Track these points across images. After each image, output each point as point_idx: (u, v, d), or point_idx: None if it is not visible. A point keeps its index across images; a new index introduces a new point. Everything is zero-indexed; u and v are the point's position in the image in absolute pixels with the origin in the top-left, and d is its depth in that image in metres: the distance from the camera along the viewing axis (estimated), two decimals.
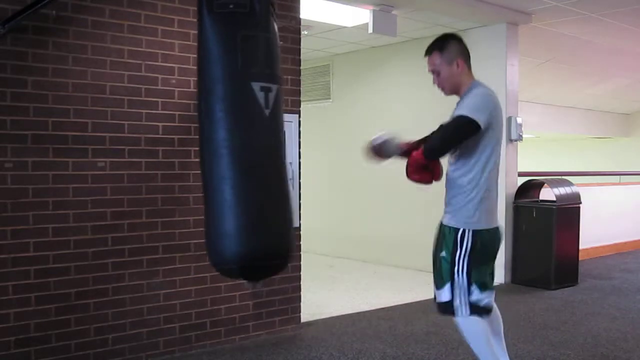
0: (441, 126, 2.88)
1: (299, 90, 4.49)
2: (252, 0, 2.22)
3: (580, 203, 6.25)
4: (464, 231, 2.85)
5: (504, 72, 6.24)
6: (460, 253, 2.85)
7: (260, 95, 2.21)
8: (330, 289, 6.04)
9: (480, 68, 6.38)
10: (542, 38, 6.97)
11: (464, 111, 2.75)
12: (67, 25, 3.47)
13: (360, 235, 7.59)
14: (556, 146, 15.06)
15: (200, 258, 3.98)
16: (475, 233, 2.84)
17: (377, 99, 7.45)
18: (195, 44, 3.95)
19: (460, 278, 2.85)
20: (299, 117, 4.40)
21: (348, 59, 7.78)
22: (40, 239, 3.40)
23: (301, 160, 4.42)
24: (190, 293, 3.96)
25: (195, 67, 3.93)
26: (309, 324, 4.65)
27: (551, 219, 5.96)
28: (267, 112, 2.22)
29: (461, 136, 2.76)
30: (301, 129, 4.41)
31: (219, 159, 2.20)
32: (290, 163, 4.27)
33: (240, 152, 2.21)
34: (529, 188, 6.44)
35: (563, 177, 6.75)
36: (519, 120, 6.26)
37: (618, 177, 9.55)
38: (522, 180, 6.51)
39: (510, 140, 6.25)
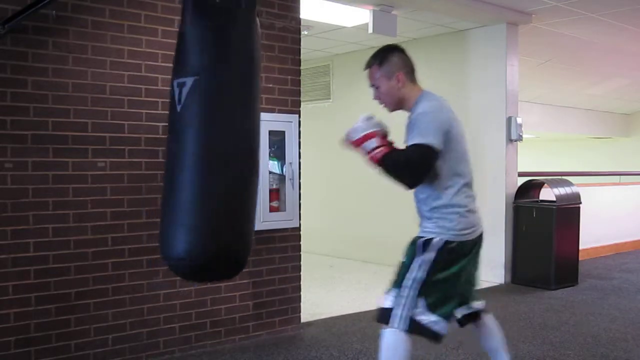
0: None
1: (299, 90, 4.49)
2: None
3: (580, 203, 6.25)
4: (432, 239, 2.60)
5: (504, 72, 6.24)
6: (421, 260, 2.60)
7: (176, 92, 2.21)
8: (330, 289, 6.04)
9: (480, 68, 6.47)
10: (542, 38, 6.97)
11: (415, 138, 2.51)
12: (67, 25, 3.46)
13: (360, 235, 7.59)
14: (556, 146, 15.06)
15: None
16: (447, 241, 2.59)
17: None
18: None
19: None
20: (299, 117, 4.40)
21: (348, 59, 7.78)
22: (40, 239, 3.40)
23: (301, 160, 4.42)
24: (190, 293, 3.96)
25: None
26: (309, 324, 4.65)
27: (551, 219, 5.96)
28: (178, 107, 2.20)
29: (421, 164, 2.51)
30: (301, 129, 4.42)
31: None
32: (291, 163, 4.27)
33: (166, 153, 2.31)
34: (529, 188, 6.44)
35: (563, 177, 6.75)
36: (519, 120, 6.27)
37: (618, 177, 9.55)
38: (522, 180, 6.52)
39: (510, 140, 6.25)
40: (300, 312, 4.52)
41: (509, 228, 6.25)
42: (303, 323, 4.56)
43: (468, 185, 2.68)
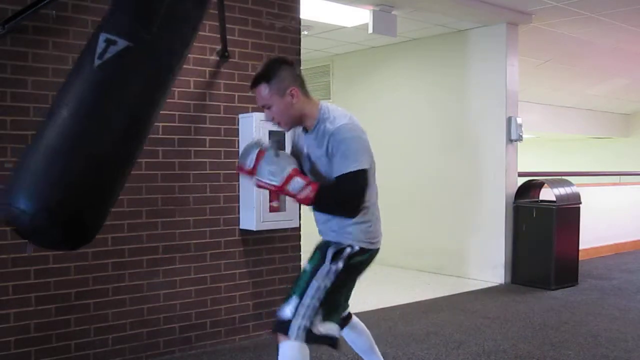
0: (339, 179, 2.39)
1: None
2: None
3: (580, 203, 6.24)
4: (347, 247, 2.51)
5: (504, 72, 6.24)
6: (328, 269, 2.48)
7: (101, 46, 2.09)
8: None
9: (480, 68, 6.48)
10: (542, 38, 6.97)
11: (350, 165, 2.33)
12: (67, 25, 3.46)
13: None
14: (556, 146, 15.06)
15: (200, 258, 3.98)
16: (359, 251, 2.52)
17: (377, 99, 7.45)
18: (195, 43, 3.95)
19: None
20: None
21: (348, 59, 7.78)
22: None
23: None
24: (190, 293, 3.96)
25: (194, 68, 3.94)
26: None
27: (551, 219, 5.96)
28: (96, 62, 2.08)
29: (363, 191, 2.38)
30: None
31: None
32: None
33: (57, 92, 2.18)
34: (529, 188, 6.44)
35: (563, 177, 6.75)
36: (519, 120, 6.26)
37: (618, 177, 9.55)
38: (522, 180, 6.52)
39: (510, 140, 6.25)
40: None
41: (509, 228, 6.24)
42: None
43: (377, 195, 2.60)
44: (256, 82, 2.45)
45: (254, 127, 4.04)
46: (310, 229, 2.85)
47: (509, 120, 6.23)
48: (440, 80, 6.82)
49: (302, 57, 4.50)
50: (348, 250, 2.49)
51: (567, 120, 12.05)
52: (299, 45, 4.48)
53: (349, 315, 2.90)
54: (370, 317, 4.90)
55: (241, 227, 4.17)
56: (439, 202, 6.81)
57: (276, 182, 2.36)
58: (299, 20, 4.47)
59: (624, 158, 12.82)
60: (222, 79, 4.06)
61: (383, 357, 2.97)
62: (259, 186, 2.43)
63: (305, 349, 2.43)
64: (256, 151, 2.39)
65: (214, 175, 4.05)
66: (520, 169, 6.57)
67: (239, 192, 4.16)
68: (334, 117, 2.42)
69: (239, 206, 4.16)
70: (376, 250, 2.60)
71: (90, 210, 2.17)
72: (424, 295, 5.63)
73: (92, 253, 3.56)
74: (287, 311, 2.44)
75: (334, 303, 2.51)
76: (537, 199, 6.42)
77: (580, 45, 7.45)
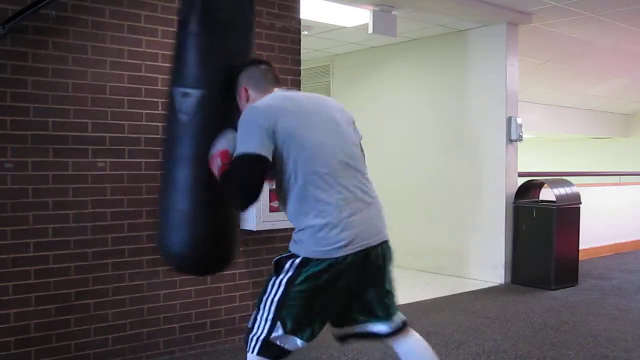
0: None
1: (299, 90, 4.49)
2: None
3: (580, 203, 6.24)
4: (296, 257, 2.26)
5: (504, 72, 6.24)
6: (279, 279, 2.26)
7: (179, 101, 2.25)
8: None
9: (480, 68, 6.48)
10: (542, 38, 6.97)
11: (236, 150, 2.19)
12: (67, 25, 3.46)
13: None
14: (556, 146, 15.06)
15: None
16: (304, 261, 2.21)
17: (377, 99, 7.45)
18: None
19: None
20: None
21: (348, 59, 7.78)
22: (40, 239, 3.40)
23: None
24: (190, 293, 3.96)
25: None
26: None
27: (551, 219, 5.96)
28: (181, 117, 2.26)
29: (242, 177, 2.16)
30: None
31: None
32: None
33: (162, 149, 2.48)
34: (529, 188, 6.44)
35: (563, 177, 6.75)
36: (519, 120, 6.27)
37: (618, 177, 9.55)
38: (522, 180, 6.52)
39: (510, 140, 6.25)
40: None
41: (509, 228, 6.24)
42: None
43: (336, 192, 2.23)
44: None
45: None
46: None
47: (509, 120, 6.23)
48: (440, 80, 6.82)
49: (302, 57, 4.50)
50: (290, 261, 2.23)
51: (567, 120, 12.05)
52: (299, 45, 4.48)
53: (397, 332, 2.63)
54: None
55: (241, 227, 4.16)
56: (439, 202, 6.81)
57: (209, 162, 2.31)
58: (299, 20, 4.47)
59: (624, 158, 12.82)
60: None
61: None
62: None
63: None
64: None
65: None
66: (520, 169, 6.57)
67: None
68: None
69: None
70: (341, 258, 2.20)
71: (228, 241, 2.51)
72: (424, 295, 5.63)
73: (92, 253, 3.56)
74: (250, 321, 2.35)
75: (297, 317, 2.24)
76: (537, 199, 6.42)
77: (580, 45, 7.45)
